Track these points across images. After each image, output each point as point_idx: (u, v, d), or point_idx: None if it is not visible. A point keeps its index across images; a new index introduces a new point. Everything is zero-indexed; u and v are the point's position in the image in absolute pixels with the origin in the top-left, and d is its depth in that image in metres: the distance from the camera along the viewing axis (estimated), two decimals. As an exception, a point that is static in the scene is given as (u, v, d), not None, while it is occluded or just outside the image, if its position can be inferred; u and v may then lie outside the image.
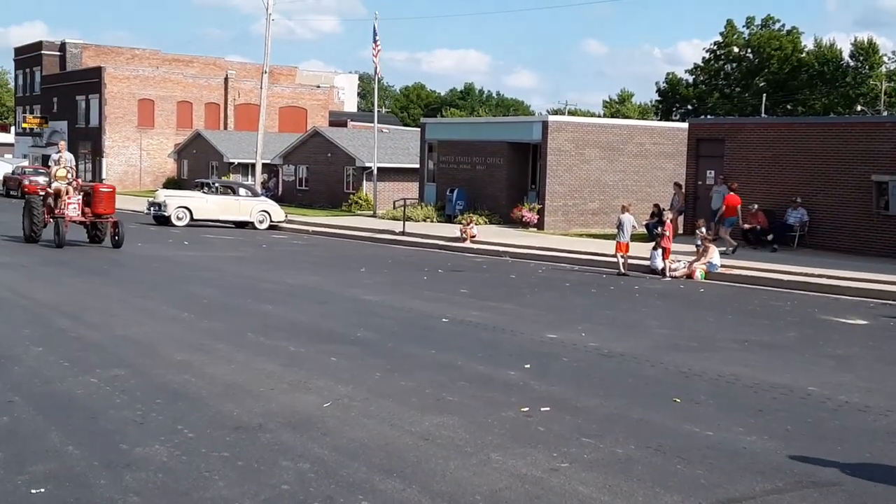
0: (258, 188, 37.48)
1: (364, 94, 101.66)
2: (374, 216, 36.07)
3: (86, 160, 58.34)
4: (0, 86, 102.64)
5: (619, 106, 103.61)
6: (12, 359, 9.16)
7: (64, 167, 22.03)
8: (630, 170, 32.59)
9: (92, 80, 59.45)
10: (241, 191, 33.37)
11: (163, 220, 30.84)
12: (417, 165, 37.82)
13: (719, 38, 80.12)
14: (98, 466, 6.00)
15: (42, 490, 5.55)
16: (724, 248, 21.50)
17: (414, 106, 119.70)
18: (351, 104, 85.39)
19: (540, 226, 30.32)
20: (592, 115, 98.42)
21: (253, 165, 42.43)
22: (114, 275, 17.15)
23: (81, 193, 21.95)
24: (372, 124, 39.96)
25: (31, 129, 67.10)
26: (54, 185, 21.90)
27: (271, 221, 32.23)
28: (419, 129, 39.66)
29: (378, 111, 42.04)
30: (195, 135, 54.42)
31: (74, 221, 21.79)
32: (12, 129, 76.76)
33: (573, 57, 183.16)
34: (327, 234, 30.33)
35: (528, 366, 9.64)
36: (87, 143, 59.73)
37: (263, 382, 8.51)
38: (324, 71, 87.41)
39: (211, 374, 8.78)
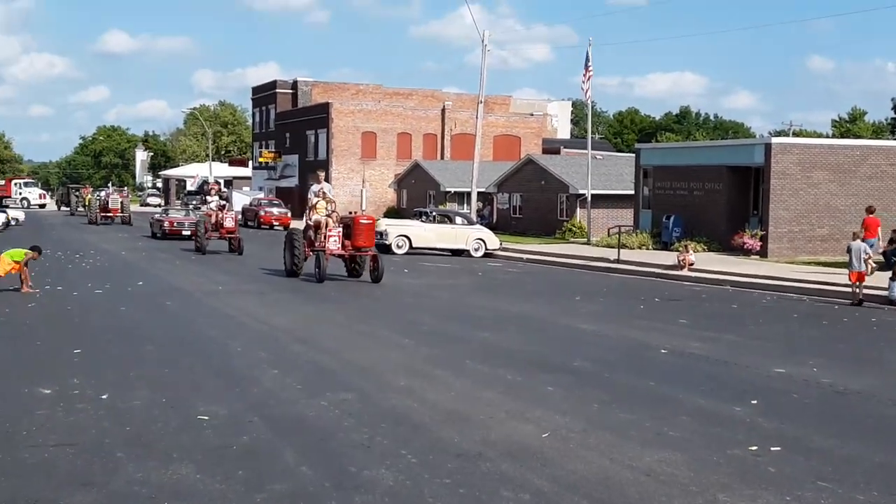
0: (473, 216, 38.23)
1: (577, 120, 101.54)
2: (588, 243, 35.84)
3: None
4: (239, 123, 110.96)
5: (849, 125, 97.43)
6: (251, 380, 9.81)
7: (324, 199, 21.80)
8: (864, 193, 30.47)
9: (320, 116, 63.09)
10: (458, 219, 34.18)
11: (384, 249, 32.04)
12: (632, 192, 37.25)
13: (965, 48, 73.47)
14: (329, 487, 6.28)
15: (279, 507, 5.87)
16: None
17: (627, 131, 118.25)
18: (564, 131, 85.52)
19: (763, 253, 28.97)
20: (819, 135, 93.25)
21: (468, 194, 43.35)
22: (340, 301, 18.00)
23: (341, 226, 21.58)
24: (585, 151, 39.78)
25: (266, 164, 72.02)
26: (314, 217, 21.59)
27: (486, 249, 32.77)
28: (633, 155, 39.09)
29: (591, 137, 41.83)
30: (413, 165, 56.40)
31: (334, 255, 21.44)
32: (250, 163, 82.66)
33: (796, 75, 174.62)
34: (541, 262, 30.42)
35: (754, 401, 9.19)
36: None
37: (482, 410, 8.62)
38: (537, 99, 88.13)
39: (432, 401, 9.00)
